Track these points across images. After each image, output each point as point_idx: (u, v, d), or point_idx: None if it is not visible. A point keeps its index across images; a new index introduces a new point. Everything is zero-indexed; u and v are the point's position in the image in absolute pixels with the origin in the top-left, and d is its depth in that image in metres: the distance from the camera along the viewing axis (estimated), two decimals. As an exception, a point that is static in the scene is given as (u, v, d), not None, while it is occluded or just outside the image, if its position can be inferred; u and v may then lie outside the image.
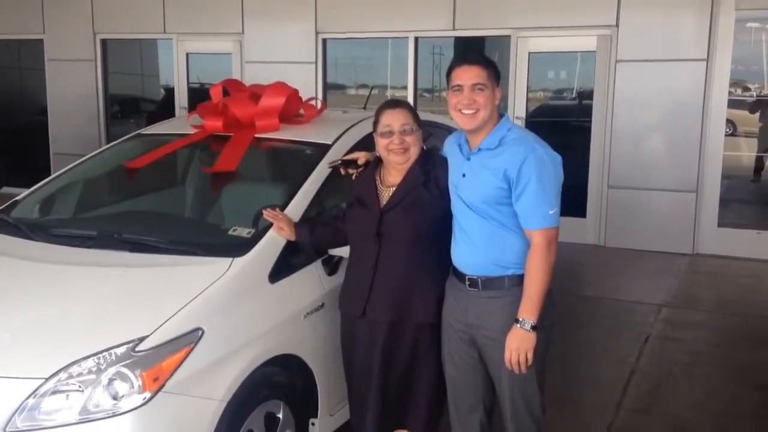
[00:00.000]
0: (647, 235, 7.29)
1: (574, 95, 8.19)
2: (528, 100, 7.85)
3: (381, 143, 2.83)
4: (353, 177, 3.04)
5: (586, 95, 7.79)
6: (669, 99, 7.17)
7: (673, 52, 7.08)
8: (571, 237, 7.32)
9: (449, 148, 2.83)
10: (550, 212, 2.52)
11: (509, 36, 7.71)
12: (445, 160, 2.82)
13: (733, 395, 4.16)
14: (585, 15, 7.37)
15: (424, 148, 2.90)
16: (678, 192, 7.23)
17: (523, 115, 7.78)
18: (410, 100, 8.25)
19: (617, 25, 7.27)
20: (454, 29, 7.92)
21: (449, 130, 3.23)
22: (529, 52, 7.72)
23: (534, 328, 2.51)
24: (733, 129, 8.04)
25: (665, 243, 7.22)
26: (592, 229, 7.62)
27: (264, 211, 3.03)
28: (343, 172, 3.11)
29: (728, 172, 7.37)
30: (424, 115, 4.25)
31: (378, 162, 2.94)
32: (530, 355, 2.52)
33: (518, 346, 2.52)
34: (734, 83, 7.38)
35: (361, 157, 3.05)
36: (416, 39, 8.22)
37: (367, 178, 2.93)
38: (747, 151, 8.15)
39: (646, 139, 7.32)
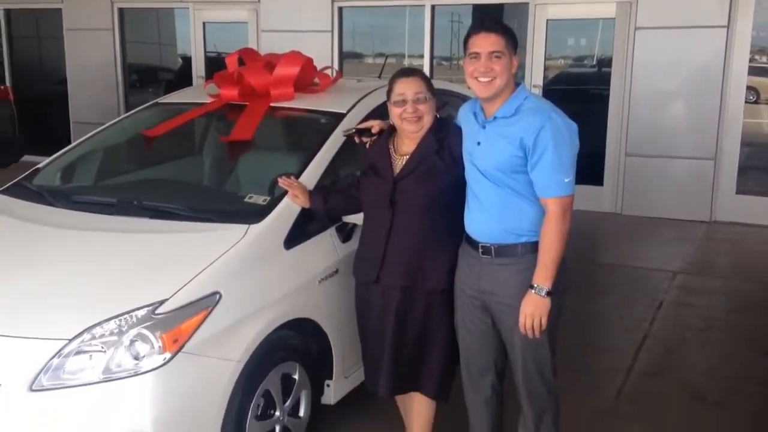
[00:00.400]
0: (665, 203, 7.27)
1: (592, 63, 8.11)
2: (546, 68, 7.79)
3: (394, 112, 2.85)
4: (367, 145, 3.07)
5: (605, 63, 7.72)
6: (688, 66, 7.09)
7: (693, 19, 6.98)
8: (588, 205, 7.34)
9: (464, 116, 2.84)
10: (566, 180, 2.54)
11: (527, 3, 7.64)
12: (459, 128, 2.84)
13: (744, 360, 4.19)
14: (604, -20, 7.29)
15: (438, 116, 2.92)
16: (696, 159, 7.18)
17: (541, 83, 7.73)
18: (426, 68, 8.22)
19: (637, -9, 7.17)
20: (471, -4, 7.86)
21: (465, 99, 3.23)
22: (547, 20, 7.64)
23: (548, 294, 2.55)
24: (756, 96, 7.94)
25: (683, 210, 7.20)
26: (609, 197, 7.61)
27: (279, 179, 3.08)
28: (357, 140, 3.13)
29: (749, 139, 7.32)
30: (440, 84, 4.27)
31: (392, 130, 2.96)
32: (544, 320, 2.56)
33: (533, 311, 2.56)
34: (758, 51, 7.27)
35: (375, 125, 3.07)
36: (433, 7, 8.15)
37: (381, 146, 2.95)
38: (769, 119, 8.08)
39: (664, 107, 7.25)
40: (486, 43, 2.57)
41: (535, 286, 2.55)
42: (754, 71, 7.23)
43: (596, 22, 7.78)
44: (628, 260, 6.04)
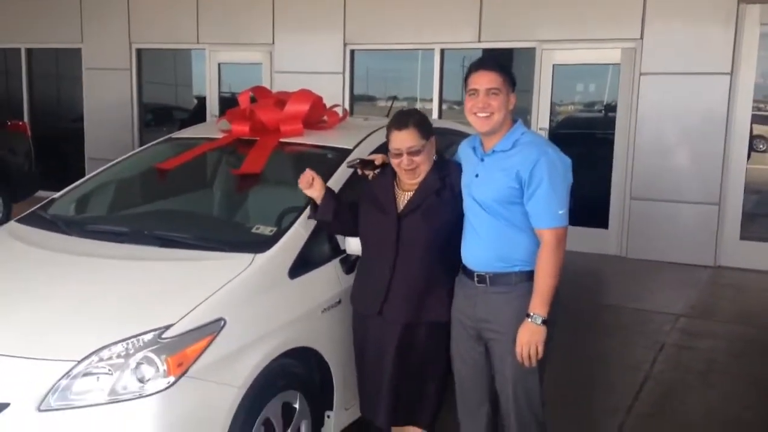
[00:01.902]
0: (669, 247, 7.32)
1: (598, 107, 8.25)
2: (552, 111, 7.94)
3: (393, 161, 2.95)
4: (370, 177, 3.16)
5: (610, 107, 7.86)
6: (692, 112, 7.21)
7: (697, 66, 7.13)
8: (593, 247, 7.41)
9: (463, 151, 2.95)
10: (560, 212, 2.64)
11: (534, 48, 7.83)
12: (459, 166, 2.94)
13: (745, 403, 4.20)
14: (609, 28, 7.45)
15: (438, 156, 3.00)
16: (701, 204, 7.25)
17: (547, 126, 7.87)
18: (435, 111, 8.41)
19: (641, 38, 7.34)
20: (479, 41, 8.05)
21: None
22: (554, 64, 7.82)
23: (545, 322, 2.62)
24: (766, 145, 8.01)
25: (687, 255, 7.24)
26: (615, 240, 7.67)
27: (308, 170, 3.10)
28: (360, 172, 3.22)
29: (757, 186, 7.36)
30: (445, 123, 4.38)
31: None
32: (541, 349, 2.63)
33: (529, 339, 2.62)
34: (766, 98, 7.37)
35: (379, 158, 3.17)
36: (442, 51, 8.37)
37: (385, 181, 3.04)
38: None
39: (669, 151, 7.35)
40: (484, 80, 2.70)
41: (532, 315, 2.62)
42: (763, 120, 7.32)
43: (602, 67, 7.95)
44: (631, 303, 6.07)
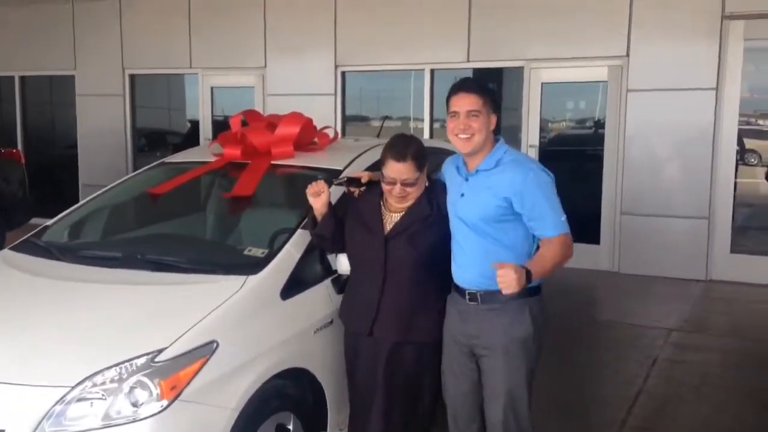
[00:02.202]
0: (661, 262, 7.37)
1: (586, 124, 8.34)
2: (541, 129, 8.02)
3: (385, 186, 2.97)
4: (356, 195, 3.20)
5: (599, 124, 7.95)
6: (680, 127, 7.30)
7: (682, 82, 7.23)
8: (585, 263, 7.42)
9: (447, 170, 3.00)
10: (562, 219, 2.71)
11: (522, 67, 7.92)
12: (444, 186, 2.99)
13: (737, 415, 4.22)
14: (596, 46, 7.56)
15: (427, 184, 3.03)
16: (690, 218, 7.31)
17: (537, 143, 7.94)
18: (426, 130, 8.48)
19: (628, 56, 7.44)
20: (468, 61, 8.15)
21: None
22: (542, 83, 7.91)
23: (529, 277, 2.53)
24: (758, 159, 8.07)
25: (679, 269, 7.29)
26: (606, 256, 7.72)
27: (321, 181, 3.13)
28: (346, 189, 3.25)
29: (749, 200, 7.42)
30: (435, 143, 4.43)
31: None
32: (513, 287, 2.49)
33: (514, 272, 2.49)
34: (758, 114, 7.45)
35: (365, 176, 3.20)
36: (432, 71, 8.46)
37: (372, 200, 3.08)
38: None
39: (658, 167, 7.43)
40: (464, 102, 2.76)
41: (525, 265, 2.58)
42: (753, 134, 7.40)
43: (590, 84, 8.05)
44: (624, 317, 6.10)
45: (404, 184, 2.92)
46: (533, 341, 2.78)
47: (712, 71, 7.13)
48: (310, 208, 3.19)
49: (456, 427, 2.95)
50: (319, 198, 3.08)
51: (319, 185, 3.09)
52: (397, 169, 2.91)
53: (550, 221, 2.69)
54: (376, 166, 3.35)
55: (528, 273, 2.55)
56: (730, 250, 7.29)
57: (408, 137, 3.06)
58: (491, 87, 8.49)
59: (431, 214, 2.94)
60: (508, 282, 2.49)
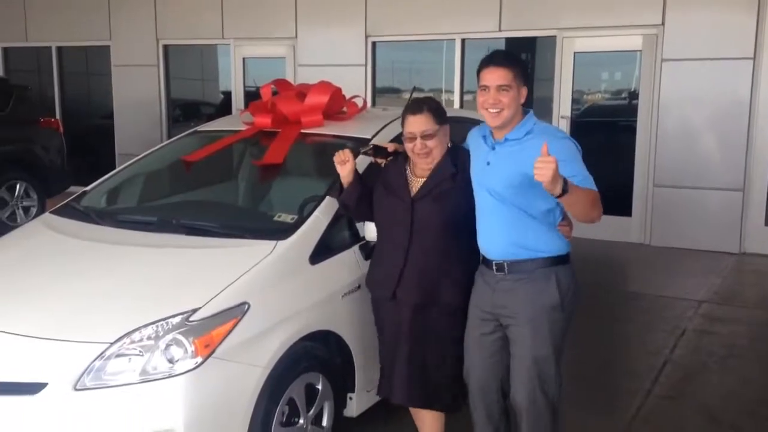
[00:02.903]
0: (693, 234, 7.31)
1: (620, 95, 8.24)
2: (574, 100, 7.95)
3: (407, 146, 3.03)
4: (383, 165, 3.25)
5: (632, 95, 7.85)
6: (715, 98, 7.18)
7: (719, 51, 7.09)
8: (616, 235, 7.43)
9: (473, 139, 3.02)
10: (591, 179, 2.66)
11: (555, 36, 7.84)
12: (468, 152, 3.02)
13: (764, 386, 4.22)
14: (630, 14, 7.44)
15: (452, 144, 3.08)
16: (724, 191, 7.22)
17: (569, 114, 7.88)
18: (457, 101, 8.46)
19: (663, 24, 7.32)
20: (500, 30, 8.09)
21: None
22: (575, 52, 7.82)
23: (564, 189, 2.45)
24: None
25: (711, 242, 7.22)
26: (638, 228, 7.67)
27: (347, 149, 3.18)
28: (373, 159, 3.30)
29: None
30: (464, 112, 4.44)
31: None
32: (548, 176, 2.39)
33: (554, 164, 2.39)
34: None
35: (391, 146, 3.24)
36: (463, 41, 8.41)
37: (398, 167, 3.12)
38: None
39: (691, 138, 7.34)
40: (494, 76, 2.76)
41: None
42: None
43: (623, 54, 7.93)
44: (654, 289, 6.08)
45: (424, 136, 2.95)
46: (560, 310, 2.79)
47: (749, 40, 6.98)
48: (338, 175, 3.24)
49: (477, 395, 2.97)
50: (345, 166, 3.14)
51: (345, 154, 3.15)
52: (414, 122, 2.97)
53: (579, 178, 2.61)
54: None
55: (565, 181, 2.44)
56: (765, 223, 7.19)
57: (424, 97, 3.12)
58: (523, 58, 8.45)
59: (456, 173, 2.98)
60: (545, 170, 2.38)
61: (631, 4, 7.44)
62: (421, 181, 3.02)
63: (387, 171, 3.20)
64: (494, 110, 2.77)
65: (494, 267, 2.85)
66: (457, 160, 3.02)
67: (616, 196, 7.58)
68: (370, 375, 3.37)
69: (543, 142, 2.61)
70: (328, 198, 3.34)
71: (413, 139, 2.98)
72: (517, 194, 2.75)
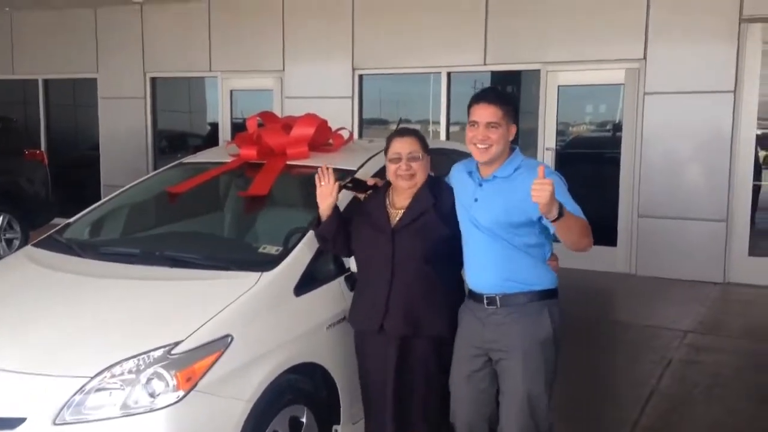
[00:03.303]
0: (678, 264, 7.35)
1: (603, 127, 8.34)
2: (558, 132, 8.03)
3: (390, 168, 3.05)
4: (362, 198, 3.25)
5: (616, 127, 7.94)
6: (698, 130, 7.28)
7: (700, 84, 7.21)
8: (602, 265, 7.45)
9: (457, 175, 3.03)
10: (579, 210, 2.69)
11: (539, 70, 7.94)
12: (450, 187, 3.03)
13: (750, 416, 4.22)
14: (613, 49, 7.56)
15: (431, 175, 3.10)
16: (708, 221, 7.28)
17: (554, 146, 7.95)
18: (443, 132, 8.53)
19: (645, 58, 7.44)
20: (485, 64, 8.20)
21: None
22: (559, 86, 7.92)
23: (560, 213, 2.49)
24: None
25: (696, 272, 7.26)
26: (623, 258, 7.70)
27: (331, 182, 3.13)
28: (353, 193, 3.29)
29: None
30: (450, 144, 4.47)
31: (388, 185, 3.15)
32: (545, 198, 2.44)
33: (551, 187, 2.45)
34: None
35: (371, 180, 3.26)
36: (449, 74, 8.51)
37: (378, 200, 3.13)
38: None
39: (675, 169, 7.42)
40: (484, 113, 2.80)
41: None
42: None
43: (607, 87, 8.05)
44: (639, 319, 6.10)
45: (409, 159, 2.98)
46: (552, 343, 2.81)
47: (730, 74, 7.10)
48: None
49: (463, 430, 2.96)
50: (327, 200, 3.12)
51: (331, 187, 3.12)
52: (401, 142, 3.02)
53: (569, 208, 2.62)
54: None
55: (560, 205, 2.49)
56: (748, 253, 7.25)
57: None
58: (508, 90, 8.56)
59: (435, 203, 2.98)
60: (542, 192, 2.42)
61: (613, 38, 7.56)
62: (401, 212, 3.03)
63: (366, 203, 3.20)
64: (483, 146, 2.80)
65: (485, 301, 2.84)
66: (436, 191, 3.03)
67: (601, 227, 7.58)
68: (356, 407, 3.33)
69: (532, 176, 2.64)
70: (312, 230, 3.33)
71: (398, 160, 3.00)
72: (506, 230, 2.77)
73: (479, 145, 2.80)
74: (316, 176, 3.17)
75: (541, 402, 2.81)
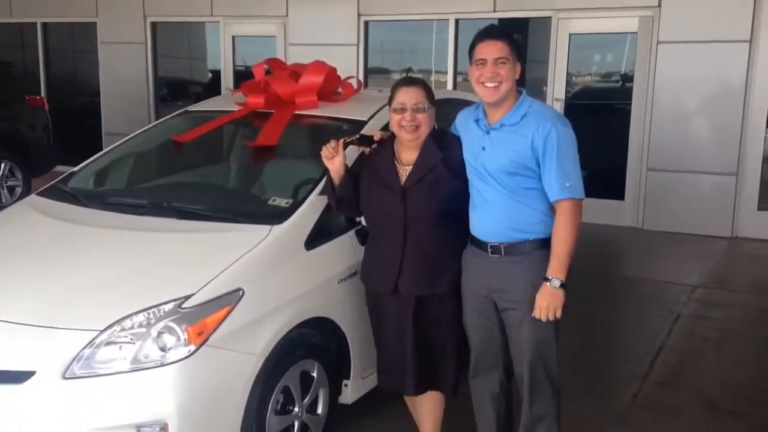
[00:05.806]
0: (686, 218, 7.28)
1: (614, 77, 8.17)
2: (568, 82, 7.88)
3: (394, 119, 2.91)
4: (367, 152, 3.12)
5: (627, 77, 7.78)
6: (710, 81, 7.13)
7: (715, 34, 7.03)
8: (609, 219, 7.40)
9: (463, 123, 2.93)
10: (567, 184, 2.65)
11: (550, 17, 7.74)
12: (457, 138, 2.93)
13: (759, 370, 4.22)
14: (627, -4, 7.36)
15: (436, 127, 2.98)
16: (718, 175, 7.19)
17: (563, 96, 7.81)
18: (450, 82, 8.36)
19: (659, 6, 7.24)
20: (494, 11, 7.98)
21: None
22: (570, 34, 7.74)
23: (563, 286, 2.64)
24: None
25: (704, 226, 7.20)
26: (631, 212, 7.64)
27: (333, 141, 3.03)
28: (358, 148, 3.15)
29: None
30: (457, 94, 4.35)
31: (393, 138, 3.01)
32: (559, 312, 2.66)
33: (548, 303, 2.65)
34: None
35: (378, 134, 3.14)
36: (457, 21, 8.30)
37: (384, 155, 3.00)
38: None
39: (686, 122, 7.29)
40: (491, 49, 2.70)
41: (550, 278, 2.65)
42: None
43: (619, 36, 7.85)
44: (647, 274, 6.07)
45: (414, 109, 2.87)
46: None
47: (746, 23, 6.92)
48: (327, 170, 3.07)
49: (477, 375, 2.96)
50: (334, 160, 2.99)
51: (333, 148, 3.00)
52: (406, 93, 2.89)
53: (555, 184, 2.64)
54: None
55: (562, 285, 2.66)
56: (757, 207, 7.18)
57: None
58: (516, 37, 8.36)
59: (443, 160, 2.88)
60: (551, 314, 2.67)
61: (627, -15, 7.35)
62: (408, 168, 2.92)
63: (373, 158, 3.06)
64: (492, 84, 2.70)
65: (490, 249, 2.79)
66: (442, 144, 2.93)
67: (609, 180, 7.58)
68: (366, 362, 3.31)
69: (539, 125, 2.58)
70: (324, 180, 3.23)
71: (402, 110, 2.87)
72: (513, 178, 2.71)
73: (488, 84, 2.70)
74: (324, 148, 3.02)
75: (549, 348, 2.79)
